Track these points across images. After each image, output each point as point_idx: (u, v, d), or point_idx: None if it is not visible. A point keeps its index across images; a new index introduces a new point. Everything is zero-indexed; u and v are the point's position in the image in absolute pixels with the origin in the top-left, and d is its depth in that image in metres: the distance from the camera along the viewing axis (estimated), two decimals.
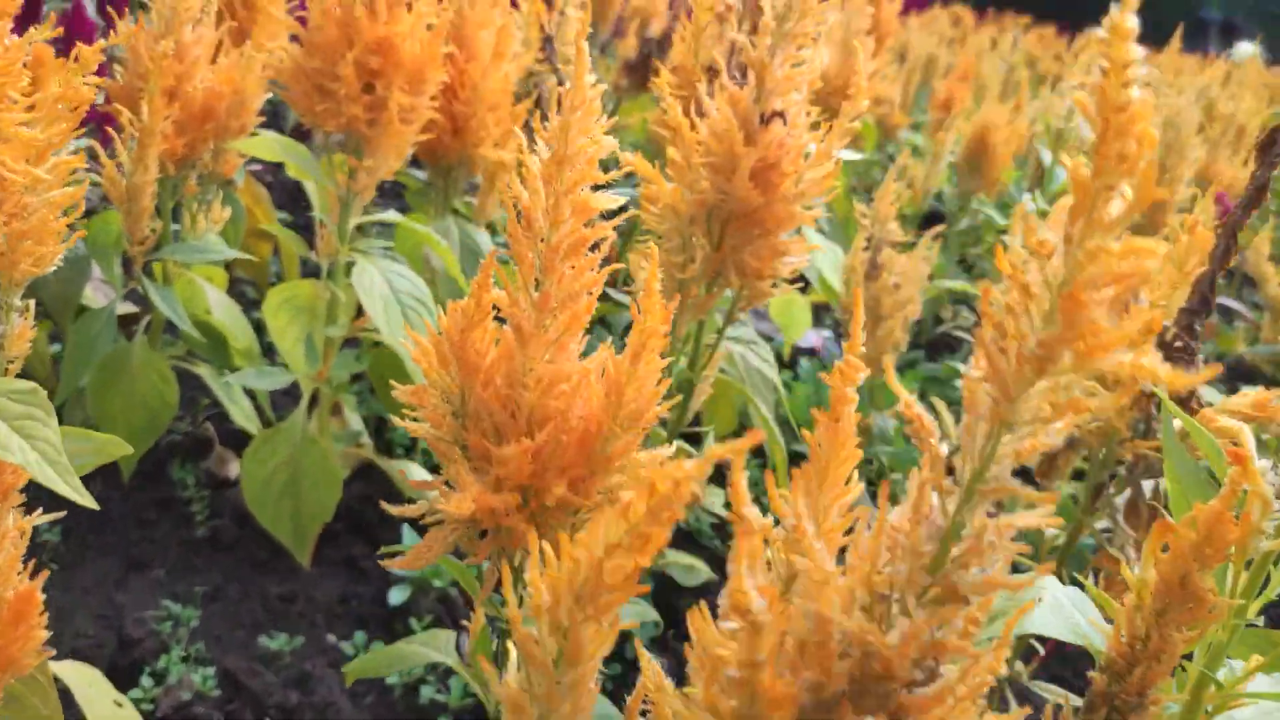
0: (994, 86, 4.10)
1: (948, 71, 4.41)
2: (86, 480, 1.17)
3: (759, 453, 1.37)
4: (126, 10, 2.32)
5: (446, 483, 0.56)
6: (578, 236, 0.50)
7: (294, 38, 0.95)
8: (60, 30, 0.68)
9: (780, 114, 0.76)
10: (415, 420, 0.57)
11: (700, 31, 1.02)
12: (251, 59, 1.01)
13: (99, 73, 1.10)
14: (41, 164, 0.54)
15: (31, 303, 0.61)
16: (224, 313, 1.09)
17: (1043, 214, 1.19)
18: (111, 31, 2.04)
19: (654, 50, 2.46)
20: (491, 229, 1.30)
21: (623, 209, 0.52)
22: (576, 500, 0.52)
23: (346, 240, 0.99)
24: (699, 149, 0.78)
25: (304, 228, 2.14)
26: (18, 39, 0.50)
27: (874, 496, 1.10)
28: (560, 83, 1.75)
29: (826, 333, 1.82)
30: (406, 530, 1.05)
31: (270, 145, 0.99)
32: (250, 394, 1.21)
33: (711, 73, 1.06)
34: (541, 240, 0.50)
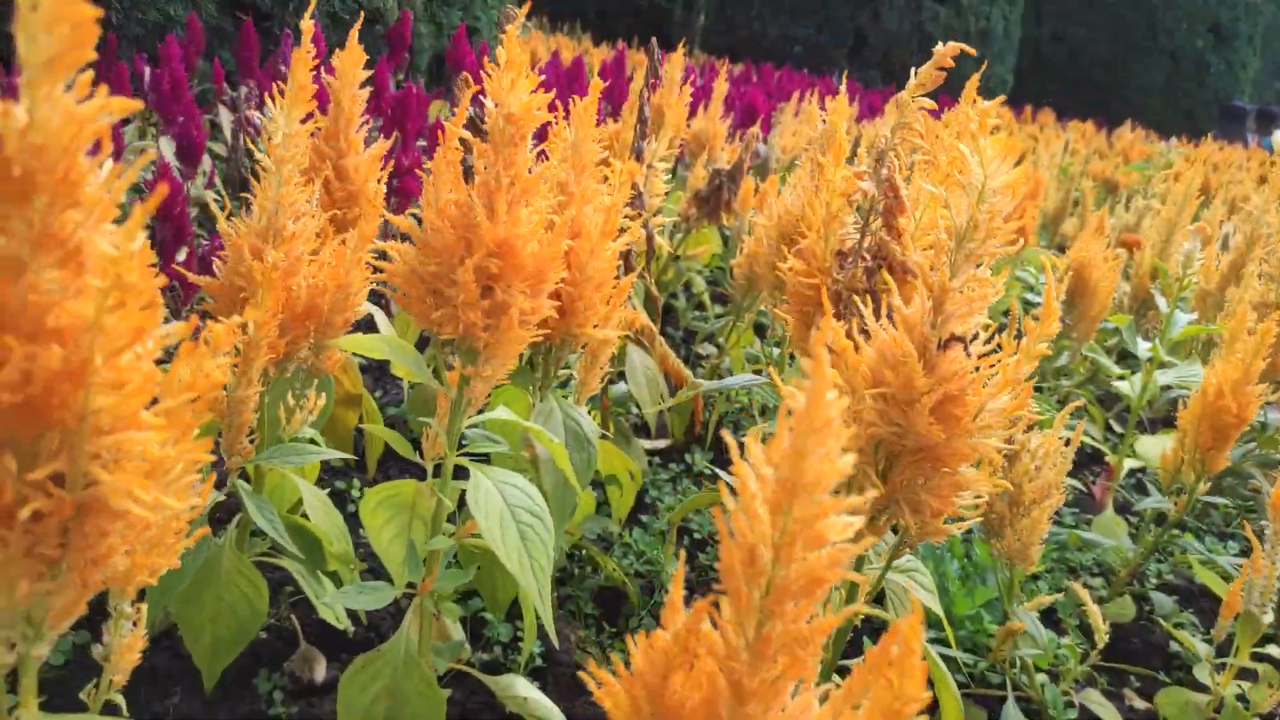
0: (1054, 195, 4.03)
1: None
2: (163, 692, 1.09)
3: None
4: (202, 154, 2.35)
5: None
6: (812, 576, 0.42)
7: (405, 236, 0.90)
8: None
9: (961, 339, 0.68)
10: None
11: (832, 218, 0.95)
12: (358, 254, 0.96)
13: (187, 261, 1.05)
14: (165, 474, 0.47)
15: (144, 607, 0.53)
16: (319, 514, 1.02)
17: (1162, 364, 1.07)
18: (189, 183, 2.05)
19: (725, 182, 2.44)
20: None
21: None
22: None
23: (455, 447, 0.92)
24: (865, 376, 0.70)
25: (377, 367, 2.10)
26: (150, 343, 0.43)
27: (1028, 714, 0.97)
28: (649, 237, 1.71)
29: None
30: None
31: (376, 344, 0.93)
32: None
33: (842, 256, 0.99)
34: (764, 578, 0.42)
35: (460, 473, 0.95)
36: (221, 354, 0.51)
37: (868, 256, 0.98)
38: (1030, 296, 3.11)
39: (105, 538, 0.44)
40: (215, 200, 2.50)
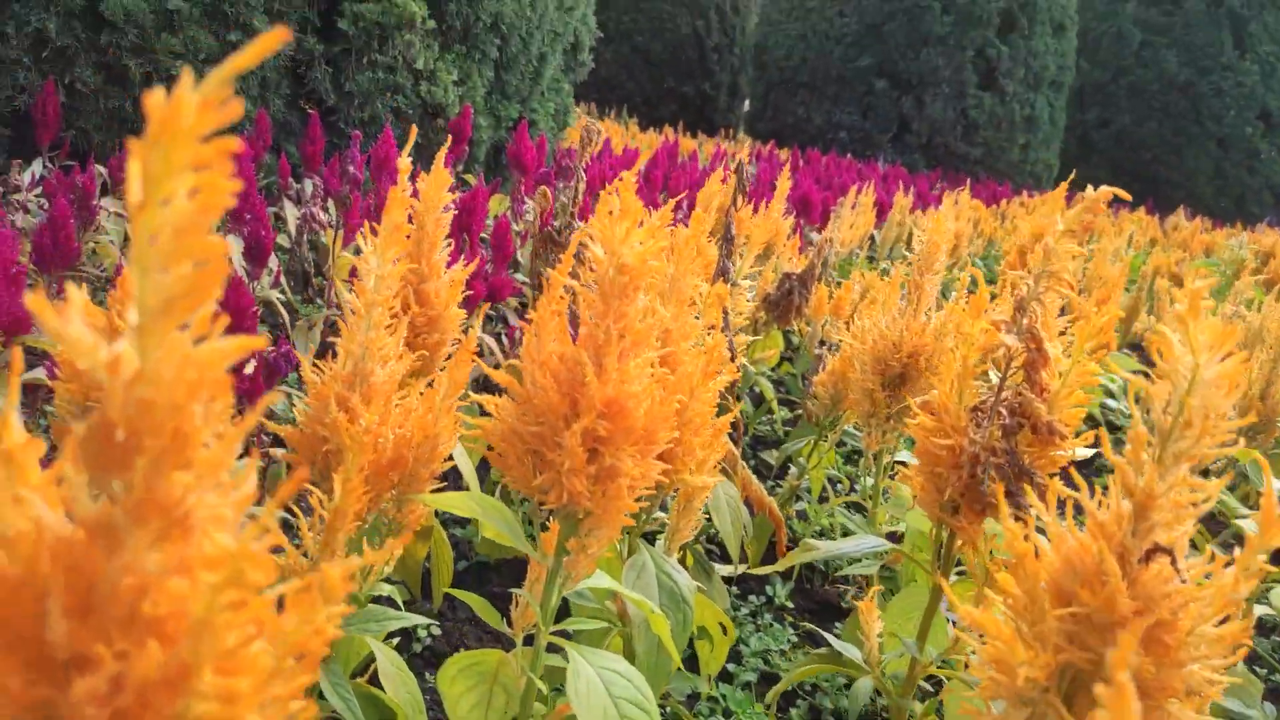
0: (1125, 292, 3.90)
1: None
2: None
3: None
4: (270, 255, 2.33)
5: None
6: None
7: (503, 390, 0.82)
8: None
9: (1168, 550, 0.58)
10: None
11: (969, 373, 0.87)
12: (447, 402, 0.89)
13: (255, 372, 0.99)
14: None
15: None
16: (394, 683, 0.92)
17: None
18: (255, 283, 2.02)
19: (795, 287, 2.37)
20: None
21: None
22: None
23: (550, 622, 0.83)
24: (1049, 585, 0.60)
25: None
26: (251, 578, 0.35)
27: None
28: (732, 357, 1.63)
29: None
30: None
31: (466, 503, 0.85)
32: None
33: (977, 413, 0.90)
34: None
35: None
36: (337, 602, 0.43)
37: (1005, 413, 0.89)
38: (1109, 403, 2.97)
39: None
40: (280, 299, 2.48)
